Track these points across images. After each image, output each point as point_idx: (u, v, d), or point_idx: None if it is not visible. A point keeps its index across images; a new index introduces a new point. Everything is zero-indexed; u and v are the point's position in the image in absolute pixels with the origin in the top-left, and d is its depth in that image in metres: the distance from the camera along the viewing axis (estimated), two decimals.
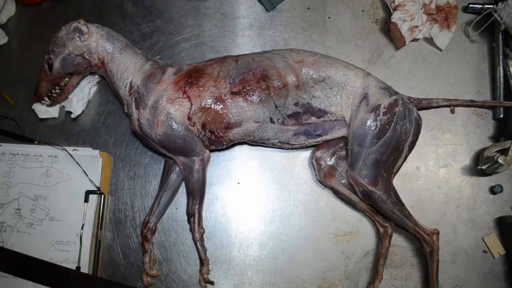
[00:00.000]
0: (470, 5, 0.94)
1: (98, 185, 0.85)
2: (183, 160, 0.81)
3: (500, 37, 0.90)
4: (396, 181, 0.83)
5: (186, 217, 0.83)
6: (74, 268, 0.81)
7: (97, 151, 0.86)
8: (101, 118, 0.91)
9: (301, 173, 0.89)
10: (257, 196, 0.88)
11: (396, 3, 0.90)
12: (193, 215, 0.82)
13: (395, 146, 0.77)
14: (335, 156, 0.85)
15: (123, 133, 0.90)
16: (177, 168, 0.84)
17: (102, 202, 0.85)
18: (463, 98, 0.91)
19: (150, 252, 0.83)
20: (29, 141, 0.88)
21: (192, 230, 0.82)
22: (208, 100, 0.77)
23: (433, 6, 0.91)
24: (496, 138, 0.90)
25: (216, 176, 0.88)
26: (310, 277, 0.84)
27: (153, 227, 0.84)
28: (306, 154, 0.89)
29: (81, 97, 0.89)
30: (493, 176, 0.88)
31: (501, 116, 0.89)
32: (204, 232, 0.83)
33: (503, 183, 0.87)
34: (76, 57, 0.80)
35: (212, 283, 0.83)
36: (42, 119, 0.90)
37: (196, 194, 0.82)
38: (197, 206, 0.82)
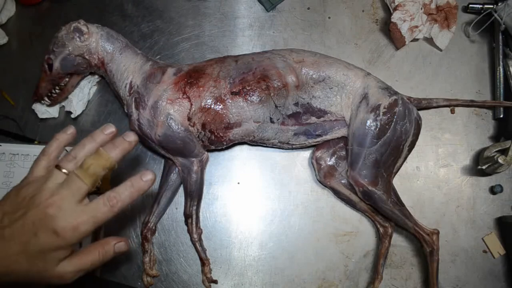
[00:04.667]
0: (470, 5, 0.94)
1: (98, 185, 0.84)
2: (181, 161, 0.81)
3: (500, 37, 0.90)
4: (396, 181, 0.83)
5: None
6: None
7: None
8: (101, 118, 0.91)
9: (301, 173, 0.89)
10: (257, 196, 0.88)
11: (396, 3, 0.90)
12: (191, 216, 0.82)
13: (395, 146, 0.77)
14: (335, 156, 0.85)
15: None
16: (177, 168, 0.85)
17: None
18: (463, 98, 0.91)
19: (150, 252, 0.83)
20: (29, 141, 0.88)
21: (189, 231, 0.82)
22: (208, 100, 0.77)
23: (433, 6, 0.91)
24: (496, 138, 0.90)
25: (216, 176, 0.88)
26: (310, 277, 0.84)
27: (153, 227, 0.84)
28: (306, 154, 0.89)
29: (81, 97, 0.89)
30: (493, 176, 0.88)
31: (501, 116, 0.89)
32: (202, 232, 0.83)
33: (503, 183, 0.87)
34: (76, 57, 0.79)
35: (215, 281, 0.83)
36: (42, 119, 0.89)
37: (194, 195, 0.82)
38: (194, 208, 0.82)
